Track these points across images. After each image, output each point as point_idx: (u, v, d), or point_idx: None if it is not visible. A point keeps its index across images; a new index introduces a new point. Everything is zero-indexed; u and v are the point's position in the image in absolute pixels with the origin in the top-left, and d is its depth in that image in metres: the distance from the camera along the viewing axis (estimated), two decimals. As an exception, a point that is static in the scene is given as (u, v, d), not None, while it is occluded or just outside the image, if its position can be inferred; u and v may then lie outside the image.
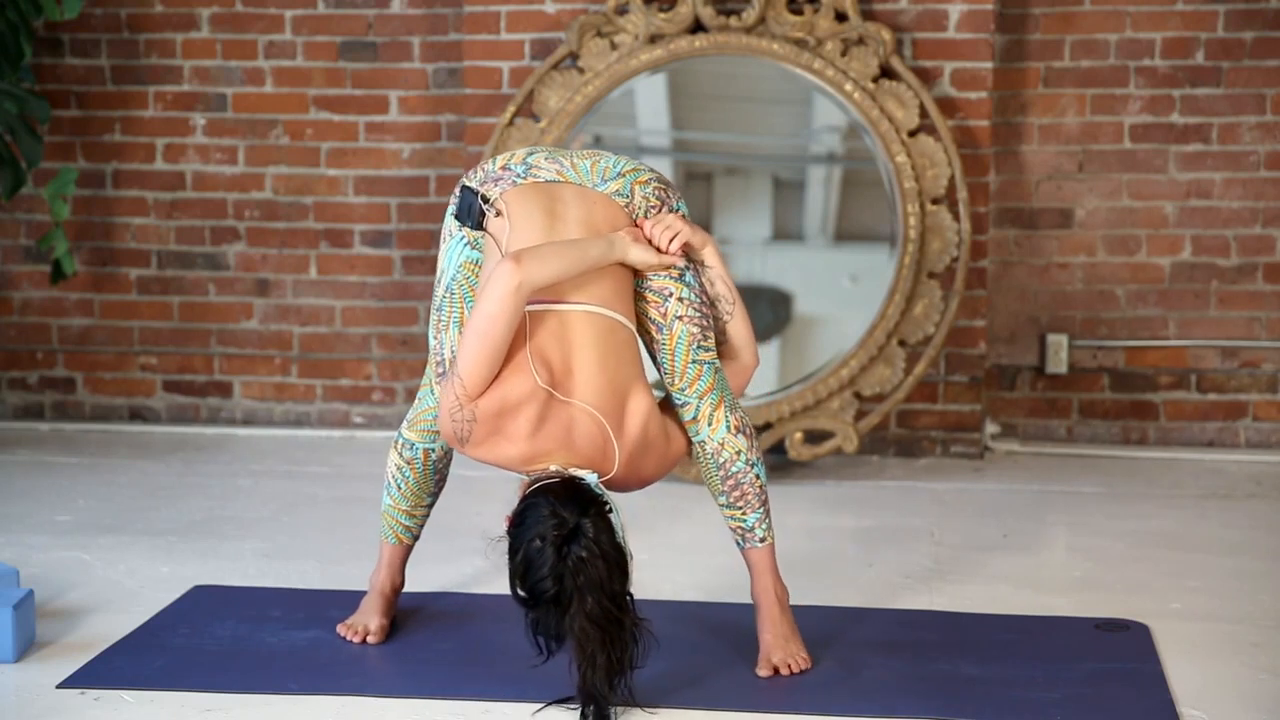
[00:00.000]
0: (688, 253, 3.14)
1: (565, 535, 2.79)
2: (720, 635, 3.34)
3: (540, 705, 2.97)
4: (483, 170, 3.18)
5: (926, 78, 4.87)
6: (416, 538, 3.43)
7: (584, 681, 2.82)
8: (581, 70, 4.85)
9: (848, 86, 4.75)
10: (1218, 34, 5.00)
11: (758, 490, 3.16)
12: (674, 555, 3.98)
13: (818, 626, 3.40)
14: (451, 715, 2.98)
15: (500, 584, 3.46)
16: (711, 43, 4.79)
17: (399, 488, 3.34)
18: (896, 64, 4.77)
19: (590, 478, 2.92)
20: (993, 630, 3.44)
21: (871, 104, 4.75)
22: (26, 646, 3.25)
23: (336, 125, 5.27)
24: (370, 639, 3.34)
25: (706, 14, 4.77)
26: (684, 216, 3.16)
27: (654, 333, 3.13)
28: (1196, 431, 5.15)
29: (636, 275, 3.13)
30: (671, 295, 3.12)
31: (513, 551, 2.85)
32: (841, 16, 4.81)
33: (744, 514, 3.17)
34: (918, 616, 3.54)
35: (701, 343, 3.12)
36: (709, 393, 3.11)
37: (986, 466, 4.96)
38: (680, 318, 3.11)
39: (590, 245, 3.02)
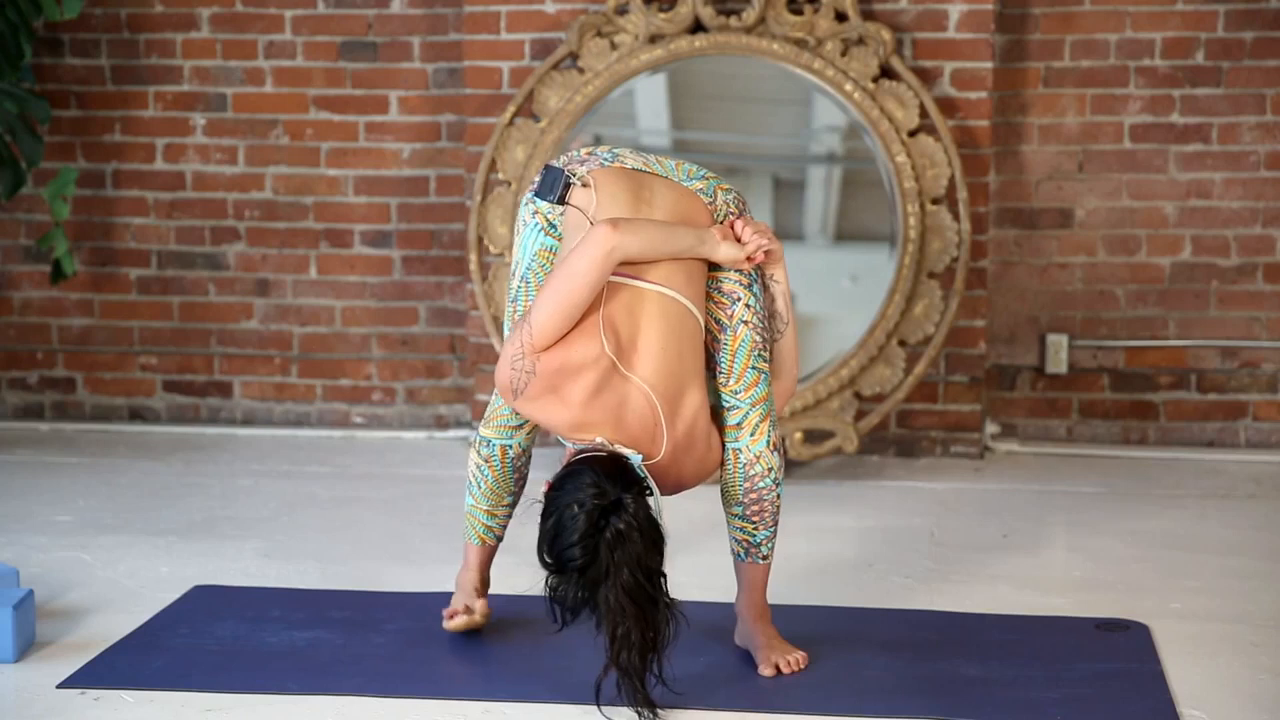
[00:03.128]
0: (764, 262, 3.17)
1: (605, 507, 2.79)
2: (720, 635, 3.34)
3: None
4: (566, 155, 3.22)
5: (926, 78, 4.87)
6: (499, 539, 3.38)
7: (617, 658, 2.81)
8: (581, 70, 4.85)
9: (848, 86, 4.75)
10: (1218, 34, 5.00)
11: (775, 510, 3.16)
12: (674, 555, 3.96)
13: (818, 626, 3.41)
14: (451, 715, 2.98)
15: (501, 584, 3.46)
16: (711, 43, 4.79)
17: (479, 486, 3.31)
18: (896, 64, 4.77)
19: (635, 458, 2.93)
20: (993, 630, 3.44)
21: (871, 104, 4.74)
22: (26, 646, 3.25)
23: (336, 125, 5.27)
24: (473, 618, 3.33)
25: (706, 14, 4.77)
26: None
27: (717, 333, 3.13)
28: (1196, 431, 5.14)
29: (708, 276, 3.15)
30: (739, 300, 3.13)
31: (545, 515, 2.85)
32: (841, 16, 4.81)
33: (756, 529, 3.17)
34: (918, 616, 3.54)
35: (762, 351, 3.14)
36: (761, 403, 3.12)
37: (986, 466, 4.95)
38: (746, 322, 3.13)
39: (683, 232, 3.06)
